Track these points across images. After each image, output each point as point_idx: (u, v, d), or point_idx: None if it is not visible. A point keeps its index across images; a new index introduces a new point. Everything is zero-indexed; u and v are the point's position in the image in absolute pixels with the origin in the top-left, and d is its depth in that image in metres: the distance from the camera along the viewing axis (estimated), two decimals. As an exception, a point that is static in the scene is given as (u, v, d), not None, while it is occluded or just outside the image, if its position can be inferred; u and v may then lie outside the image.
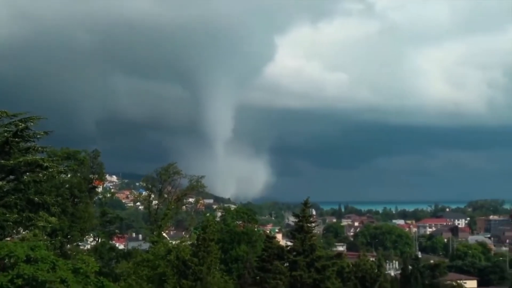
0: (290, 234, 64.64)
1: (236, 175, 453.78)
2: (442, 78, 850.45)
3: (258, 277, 52.23)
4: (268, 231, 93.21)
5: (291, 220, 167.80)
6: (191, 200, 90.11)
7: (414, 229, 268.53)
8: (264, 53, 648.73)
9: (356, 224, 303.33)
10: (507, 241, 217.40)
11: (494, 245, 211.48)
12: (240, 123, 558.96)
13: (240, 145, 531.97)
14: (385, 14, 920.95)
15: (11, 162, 36.88)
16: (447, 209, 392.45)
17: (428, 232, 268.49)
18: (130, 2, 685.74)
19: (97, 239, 76.36)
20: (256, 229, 77.27)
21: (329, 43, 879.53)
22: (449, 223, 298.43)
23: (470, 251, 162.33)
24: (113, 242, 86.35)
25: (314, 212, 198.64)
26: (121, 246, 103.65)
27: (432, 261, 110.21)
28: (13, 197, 37.54)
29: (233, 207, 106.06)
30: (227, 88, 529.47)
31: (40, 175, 39.01)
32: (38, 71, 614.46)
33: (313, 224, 58.15)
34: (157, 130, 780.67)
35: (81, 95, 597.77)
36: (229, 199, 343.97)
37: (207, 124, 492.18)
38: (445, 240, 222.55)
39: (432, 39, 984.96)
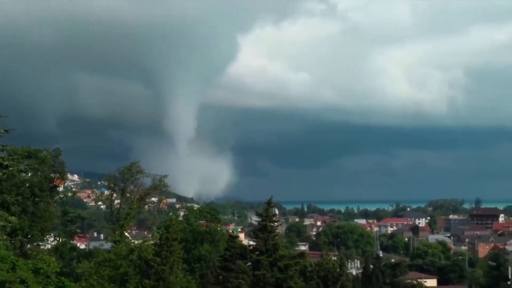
0: (253, 233, 64.68)
1: (199, 174, 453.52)
2: (404, 79, 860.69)
3: (220, 277, 52.21)
4: (230, 231, 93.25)
5: (254, 219, 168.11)
6: (153, 199, 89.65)
7: (376, 229, 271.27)
8: (227, 52, 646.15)
9: (319, 223, 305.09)
10: (466, 240, 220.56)
11: (454, 244, 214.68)
12: (203, 122, 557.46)
13: (203, 144, 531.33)
14: (347, 14, 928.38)
15: (-30, 160, 36.36)
16: (408, 209, 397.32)
17: (389, 232, 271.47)
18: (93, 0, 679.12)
19: (58, 239, 75.47)
20: (219, 229, 77.15)
21: (292, 43, 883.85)
22: (410, 223, 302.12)
23: (430, 250, 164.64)
24: (74, 241, 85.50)
25: (277, 212, 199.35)
26: (83, 246, 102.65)
27: (393, 260, 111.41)
28: (-28, 196, 37.03)
29: (196, 206, 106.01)
30: (190, 87, 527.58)
31: (0, 173, 38.49)
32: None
33: (276, 224, 58.25)
34: (120, 129, 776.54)
35: (42, 93, 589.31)
36: (192, 198, 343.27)
37: (170, 122, 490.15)
38: (406, 239, 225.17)
39: (395, 40, 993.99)
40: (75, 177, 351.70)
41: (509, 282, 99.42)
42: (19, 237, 54.06)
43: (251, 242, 59.58)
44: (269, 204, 57.14)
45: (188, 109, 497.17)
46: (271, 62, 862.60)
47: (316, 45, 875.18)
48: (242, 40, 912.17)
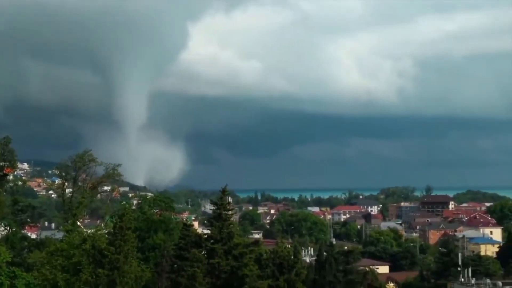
0: (207, 222, 64.65)
1: (150, 162, 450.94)
2: (356, 68, 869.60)
3: (175, 265, 51.94)
4: (184, 219, 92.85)
5: (208, 208, 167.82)
6: (106, 188, 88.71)
7: (329, 216, 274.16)
8: (178, 40, 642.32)
9: (272, 211, 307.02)
10: (418, 227, 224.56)
11: (405, 231, 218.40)
12: (155, 110, 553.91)
13: (154, 132, 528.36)
14: (299, 4, 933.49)
15: None
16: (361, 197, 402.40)
17: (342, 219, 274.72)
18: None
19: (8, 228, 74.25)
20: (173, 217, 76.70)
21: (243, 32, 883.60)
22: (363, 210, 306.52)
23: (382, 238, 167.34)
24: (25, 231, 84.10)
25: (230, 200, 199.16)
26: (34, 236, 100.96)
27: (346, 248, 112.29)
28: None
29: (149, 195, 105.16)
30: (140, 75, 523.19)
31: None
32: None
33: (231, 212, 58.20)
34: (70, 117, 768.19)
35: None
36: (145, 187, 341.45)
37: (120, 110, 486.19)
38: (359, 226, 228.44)
39: (346, 29, 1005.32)
40: (25, 165, 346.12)
41: (459, 268, 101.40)
42: (-32, 227, 52.94)
43: (206, 231, 59.50)
44: (224, 192, 57.00)
45: (138, 96, 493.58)
46: (222, 51, 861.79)
47: (267, 33, 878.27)
48: (193, 28, 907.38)
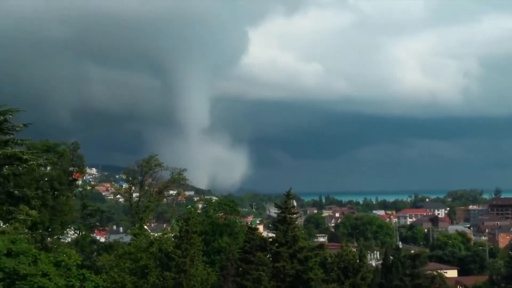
0: (272, 225, 64.61)
1: (213, 166, 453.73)
2: (417, 69, 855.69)
3: (240, 269, 52.09)
4: (249, 223, 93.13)
5: (273, 211, 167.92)
6: (172, 192, 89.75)
7: (395, 220, 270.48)
8: (238, 44, 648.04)
9: (337, 215, 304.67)
10: (486, 230, 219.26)
11: (474, 235, 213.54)
12: (216, 113, 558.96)
13: (216, 135, 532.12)
14: (358, 5, 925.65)
15: (-10, 155, 36.48)
16: (427, 199, 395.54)
17: (408, 223, 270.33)
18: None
19: (78, 232, 75.80)
20: (237, 221, 77.05)
21: (303, 34, 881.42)
22: (429, 213, 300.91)
23: (450, 241, 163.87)
24: (94, 235, 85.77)
25: (295, 203, 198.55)
26: (102, 239, 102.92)
27: (412, 251, 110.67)
28: (-8, 190, 37.16)
29: (214, 199, 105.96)
30: (202, 79, 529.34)
31: (20, 168, 38.70)
32: (11, 62, 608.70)
33: (295, 215, 58.08)
34: (134, 121, 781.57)
35: (55, 88, 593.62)
36: (209, 191, 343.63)
37: (183, 114, 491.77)
38: (425, 230, 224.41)
39: (407, 30, 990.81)
40: (93, 170, 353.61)
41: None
42: (40, 231, 54.25)
43: (270, 234, 59.45)
44: (288, 195, 56.95)
45: (200, 100, 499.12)
46: (282, 54, 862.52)
47: (327, 36, 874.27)
48: (253, 32, 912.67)
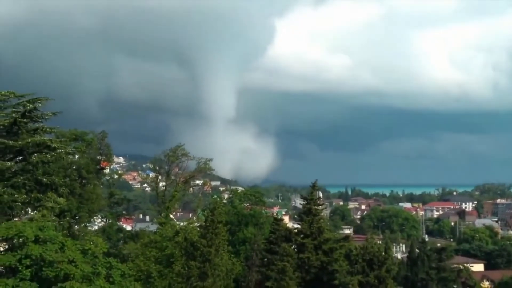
0: (297, 216, 64.62)
1: (238, 156, 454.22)
2: (446, 62, 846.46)
3: (265, 259, 52.26)
4: (274, 214, 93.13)
5: (298, 202, 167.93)
6: (198, 182, 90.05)
7: (421, 213, 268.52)
8: (264, 36, 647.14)
9: (363, 207, 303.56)
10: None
11: (501, 229, 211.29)
12: (242, 104, 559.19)
13: (242, 126, 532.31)
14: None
15: (19, 142, 36.90)
16: (454, 193, 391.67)
17: (435, 216, 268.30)
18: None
19: (105, 220, 76.44)
20: (263, 212, 77.09)
21: (330, 26, 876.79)
22: (456, 207, 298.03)
23: (477, 235, 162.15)
24: (121, 223, 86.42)
25: (321, 195, 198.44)
26: (129, 228, 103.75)
27: (439, 245, 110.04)
28: (21, 177, 37.58)
29: (240, 189, 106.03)
30: (228, 70, 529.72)
31: (48, 156, 39.00)
32: (40, 52, 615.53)
33: (321, 207, 58.08)
34: (160, 111, 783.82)
35: (83, 77, 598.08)
36: (235, 181, 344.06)
37: (209, 104, 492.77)
38: (452, 223, 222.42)
39: (435, 22, 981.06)
40: (121, 159, 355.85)
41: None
42: (67, 218, 54.74)
43: (296, 225, 59.51)
44: (314, 187, 56.97)
45: (226, 91, 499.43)
46: (309, 46, 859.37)
47: (355, 28, 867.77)
48: (280, 24, 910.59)
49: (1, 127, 37.78)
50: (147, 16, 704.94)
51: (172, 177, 75.52)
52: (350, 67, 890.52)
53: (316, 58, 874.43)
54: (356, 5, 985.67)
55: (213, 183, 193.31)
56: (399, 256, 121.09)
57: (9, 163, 36.91)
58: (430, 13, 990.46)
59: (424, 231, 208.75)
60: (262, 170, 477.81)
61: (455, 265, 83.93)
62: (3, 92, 37.92)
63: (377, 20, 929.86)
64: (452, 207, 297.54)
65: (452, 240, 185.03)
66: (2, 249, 32.62)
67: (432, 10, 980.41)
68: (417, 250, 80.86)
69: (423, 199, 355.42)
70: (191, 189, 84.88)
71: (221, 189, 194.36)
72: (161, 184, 77.27)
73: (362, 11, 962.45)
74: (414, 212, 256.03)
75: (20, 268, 29.69)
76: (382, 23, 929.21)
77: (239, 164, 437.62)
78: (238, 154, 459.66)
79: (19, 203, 36.76)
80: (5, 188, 35.99)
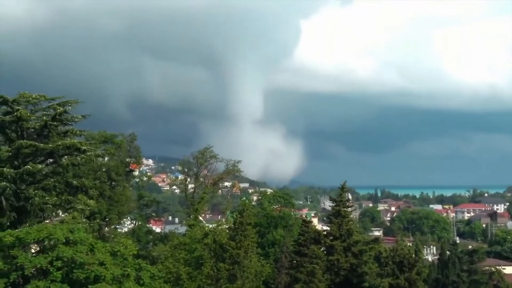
0: (326, 218, 64.39)
1: (266, 157, 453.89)
2: (474, 62, 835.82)
3: (294, 261, 52.04)
4: (303, 216, 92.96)
5: (327, 204, 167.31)
6: (227, 184, 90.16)
7: (452, 214, 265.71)
8: (291, 37, 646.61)
9: (393, 209, 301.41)
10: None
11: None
12: (271, 106, 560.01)
13: (270, 128, 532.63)
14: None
15: (50, 145, 37.21)
16: (486, 194, 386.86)
17: (466, 218, 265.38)
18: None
19: (134, 222, 76.88)
20: (292, 214, 76.90)
21: (357, 27, 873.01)
22: (488, 208, 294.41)
23: (509, 237, 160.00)
24: (150, 225, 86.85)
25: (350, 197, 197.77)
26: (158, 230, 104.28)
27: (470, 247, 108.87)
28: (52, 180, 37.89)
29: (269, 191, 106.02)
30: (255, 71, 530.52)
31: (78, 158, 39.29)
32: (68, 56, 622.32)
33: (350, 209, 57.74)
34: (189, 113, 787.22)
35: (112, 80, 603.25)
36: (264, 183, 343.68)
37: (238, 106, 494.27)
38: (484, 225, 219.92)
39: (463, 22, 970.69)
40: (150, 161, 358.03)
41: None
42: (97, 220, 55.21)
43: (325, 227, 59.25)
44: (343, 189, 56.65)
45: (254, 93, 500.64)
46: (336, 46, 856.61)
47: (381, 28, 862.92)
48: (307, 25, 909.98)
49: (32, 130, 38.16)
50: (174, 18, 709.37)
51: (201, 179, 75.66)
52: (377, 68, 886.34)
53: (342, 59, 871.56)
54: (382, 5, 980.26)
55: (242, 185, 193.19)
56: (429, 258, 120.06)
57: (40, 166, 37.23)
58: (458, 12, 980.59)
59: (455, 233, 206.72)
60: (290, 171, 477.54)
61: (487, 268, 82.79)
62: (34, 96, 38.29)
63: (403, 20, 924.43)
64: (483, 208, 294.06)
65: (483, 242, 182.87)
66: (33, 251, 32.90)
67: (458, 9, 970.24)
68: (448, 252, 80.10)
69: (454, 201, 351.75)
70: (220, 191, 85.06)
71: (250, 191, 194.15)
72: (190, 186, 77.48)
73: (388, 12, 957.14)
74: (445, 214, 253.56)
75: (51, 270, 29.93)
76: (409, 23, 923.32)
77: (267, 165, 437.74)
78: (266, 155, 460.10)
79: (50, 206, 37.08)
80: (36, 191, 36.32)
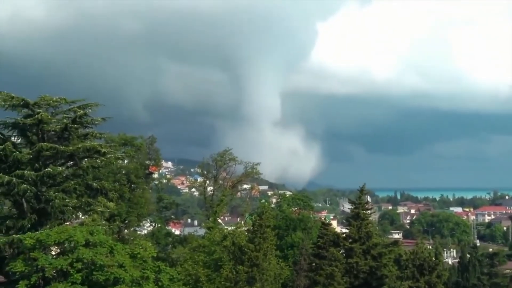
0: (345, 221, 64.22)
1: (285, 159, 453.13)
2: (494, 62, 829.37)
3: (314, 264, 51.98)
4: (323, 218, 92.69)
5: (347, 207, 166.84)
6: (246, 186, 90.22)
7: (472, 217, 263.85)
8: (309, 38, 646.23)
9: (412, 211, 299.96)
10: None
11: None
12: (289, 107, 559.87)
13: (289, 129, 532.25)
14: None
15: (70, 148, 37.45)
16: (507, 197, 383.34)
17: (486, 220, 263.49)
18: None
19: (153, 225, 77.14)
20: (311, 216, 76.77)
21: (375, 28, 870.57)
22: (509, 211, 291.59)
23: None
24: (169, 227, 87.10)
25: (369, 199, 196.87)
26: (177, 232, 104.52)
27: (491, 250, 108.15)
28: (72, 182, 38.14)
29: (288, 193, 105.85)
30: (274, 74, 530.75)
31: (98, 161, 39.51)
32: (86, 57, 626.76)
33: (369, 211, 57.54)
34: (208, 115, 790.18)
35: (131, 82, 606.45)
36: (283, 185, 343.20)
37: (256, 108, 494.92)
38: (504, 228, 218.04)
39: (482, 22, 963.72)
40: (169, 164, 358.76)
41: None
42: (117, 223, 55.46)
43: (344, 230, 59.10)
44: (362, 191, 56.48)
45: (272, 94, 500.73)
46: (355, 48, 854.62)
47: (400, 30, 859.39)
48: (325, 26, 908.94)
49: (53, 132, 38.42)
50: (192, 20, 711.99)
51: (220, 181, 75.82)
52: (397, 69, 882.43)
53: (360, 61, 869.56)
54: (400, 6, 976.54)
55: (261, 187, 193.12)
56: (450, 261, 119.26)
57: (60, 168, 37.46)
58: (477, 13, 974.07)
59: (476, 236, 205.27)
60: (308, 172, 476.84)
61: (508, 271, 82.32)
62: (54, 99, 38.55)
63: (422, 21, 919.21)
64: (504, 211, 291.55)
65: (504, 245, 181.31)
66: (54, 253, 33.15)
67: (477, 9, 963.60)
68: (468, 256, 79.64)
69: (474, 203, 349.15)
70: (238, 193, 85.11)
71: (269, 193, 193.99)
72: (209, 188, 77.63)
73: (408, 13, 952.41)
74: (465, 217, 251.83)
75: (71, 272, 30.16)
76: (428, 24, 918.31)
77: (285, 167, 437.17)
78: (284, 156, 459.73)
79: (70, 208, 37.32)
80: (56, 193, 36.56)
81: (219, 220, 72.67)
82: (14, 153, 36.15)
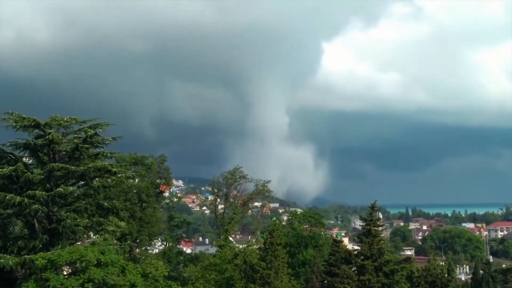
0: (357, 238, 63.92)
1: (293, 176, 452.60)
2: (501, 77, 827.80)
3: (325, 281, 51.79)
4: (334, 235, 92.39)
5: (358, 224, 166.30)
6: (256, 204, 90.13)
7: (485, 233, 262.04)
8: (315, 56, 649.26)
9: (424, 227, 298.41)
10: None
11: None
12: (298, 125, 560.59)
13: (298, 146, 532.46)
14: (435, 16, 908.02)
15: (81, 168, 37.58)
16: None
17: (499, 236, 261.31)
18: (182, 7, 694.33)
19: (165, 243, 77.05)
20: (322, 233, 76.58)
21: (380, 45, 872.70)
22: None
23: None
24: (181, 246, 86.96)
25: (380, 216, 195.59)
26: (189, 250, 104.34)
27: (504, 266, 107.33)
28: (83, 202, 38.24)
29: (299, 211, 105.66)
30: (281, 92, 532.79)
31: (109, 180, 39.60)
32: (95, 78, 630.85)
33: (381, 228, 57.32)
34: (217, 133, 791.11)
35: (139, 101, 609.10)
36: (294, 202, 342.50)
37: (264, 125, 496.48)
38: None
39: (487, 37, 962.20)
40: (180, 182, 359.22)
41: None
42: (128, 242, 55.50)
43: (356, 247, 58.83)
44: (373, 208, 56.28)
45: (279, 112, 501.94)
46: (359, 64, 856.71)
47: (405, 46, 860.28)
48: (331, 44, 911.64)
49: (64, 152, 38.60)
50: (197, 39, 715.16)
51: (231, 199, 75.83)
52: (403, 85, 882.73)
53: (366, 77, 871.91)
54: (405, 24, 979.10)
55: (272, 205, 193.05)
56: (463, 277, 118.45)
57: (71, 188, 37.59)
58: (481, 28, 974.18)
59: (489, 252, 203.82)
60: (317, 189, 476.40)
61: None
62: (65, 119, 38.78)
63: (427, 38, 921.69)
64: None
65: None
66: (65, 273, 33.17)
67: (483, 26, 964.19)
68: (481, 272, 79.13)
69: (487, 219, 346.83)
70: (249, 211, 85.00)
71: (280, 210, 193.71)
72: (220, 206, 77.64)
73: (411, 30, 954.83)
74: (478, 233, 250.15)
75: (83, 292, 30.15)
76: (432, 40, 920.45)
77: (293, 182, 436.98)
78: (293, 173, 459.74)
79: (82, 227, 37.40)
80: (68, 213, 36.66)
81: (230, 238, 72.61)
82: (25, 174, 36.31)
